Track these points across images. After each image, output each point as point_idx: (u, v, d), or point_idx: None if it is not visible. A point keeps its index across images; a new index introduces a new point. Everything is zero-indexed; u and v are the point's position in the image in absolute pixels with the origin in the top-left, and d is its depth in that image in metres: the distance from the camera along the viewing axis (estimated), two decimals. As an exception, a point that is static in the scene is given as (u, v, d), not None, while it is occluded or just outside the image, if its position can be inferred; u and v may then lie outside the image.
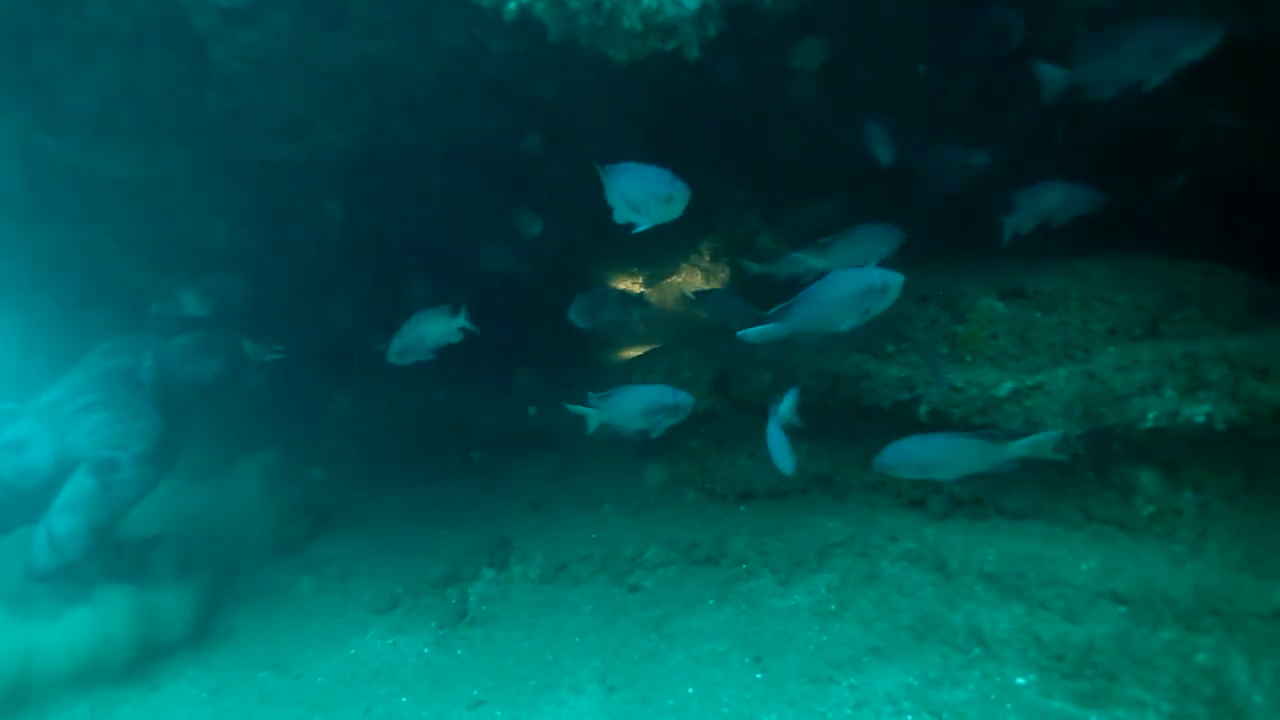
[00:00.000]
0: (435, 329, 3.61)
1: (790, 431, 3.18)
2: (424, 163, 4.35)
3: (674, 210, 2.56)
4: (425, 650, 3.78)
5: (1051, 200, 3.25)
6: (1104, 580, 2.99)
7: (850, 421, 3.81)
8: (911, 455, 2.86)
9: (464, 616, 4.06)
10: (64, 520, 3.81)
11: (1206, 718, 2.47)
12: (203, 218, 4.20)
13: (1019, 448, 2.78)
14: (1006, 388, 3.11)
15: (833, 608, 3.33)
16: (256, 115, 3.60)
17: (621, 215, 2.60)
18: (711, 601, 3.59)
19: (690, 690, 2.99)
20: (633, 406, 3.25)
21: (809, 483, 4.11)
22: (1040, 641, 2.90)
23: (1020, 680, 2.83)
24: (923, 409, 3.31)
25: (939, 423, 3.30)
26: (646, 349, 5.00)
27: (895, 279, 2.88)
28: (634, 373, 4.34)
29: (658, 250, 6.57)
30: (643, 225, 2.58)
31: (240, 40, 2.78)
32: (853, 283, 2.91)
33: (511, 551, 4.43)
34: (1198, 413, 2.93)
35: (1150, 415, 2.98)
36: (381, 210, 4.71)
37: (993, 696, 2.77)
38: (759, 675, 3.02)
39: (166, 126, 3.53)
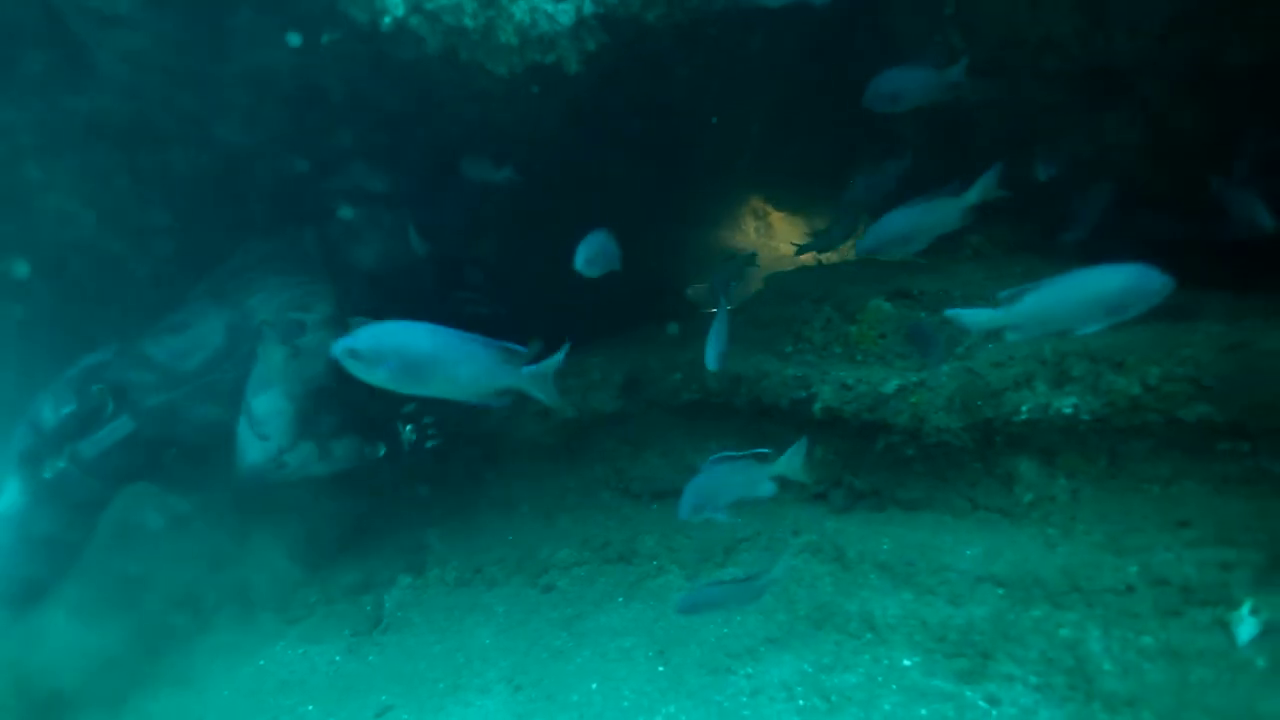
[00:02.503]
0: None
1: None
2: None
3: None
4: (337, 658, 3.77)
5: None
6: (985, 565, 3.16)
7: (753, 420, 3.94)
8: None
9: (379, 623, 4.06)
10: (261, 400, 3.46)
11: (1065, 686, 2.64)
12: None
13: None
14: (893, 385, 3.27)
15: (735, 600, 3.43)
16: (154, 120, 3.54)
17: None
18: (621, 599, 3.67)
19: (594, 685, 3.06)
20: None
21: (719, 480, 4.23)
22: (926, 625, 3.05)
23: (906, 662, 2.97)
24: (817, 406, 3.44)
25: (832, 419, 3.44)
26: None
27: (1163, 281, 2.33)
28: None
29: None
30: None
31: (122, 46, 2.74)
32: (1109, 279, 2.32)
33: (429, 556, 4.44)
34: (1065, 404, 3.13)
35: (1024, 408, 3.16)
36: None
37: (880, 678, 2.91)
38: (661, 668, 3.10)
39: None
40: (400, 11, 2.17)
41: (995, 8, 3.41)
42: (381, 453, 4.00)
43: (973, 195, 2.60)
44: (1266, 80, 3.26)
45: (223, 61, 3.08)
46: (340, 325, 3.70)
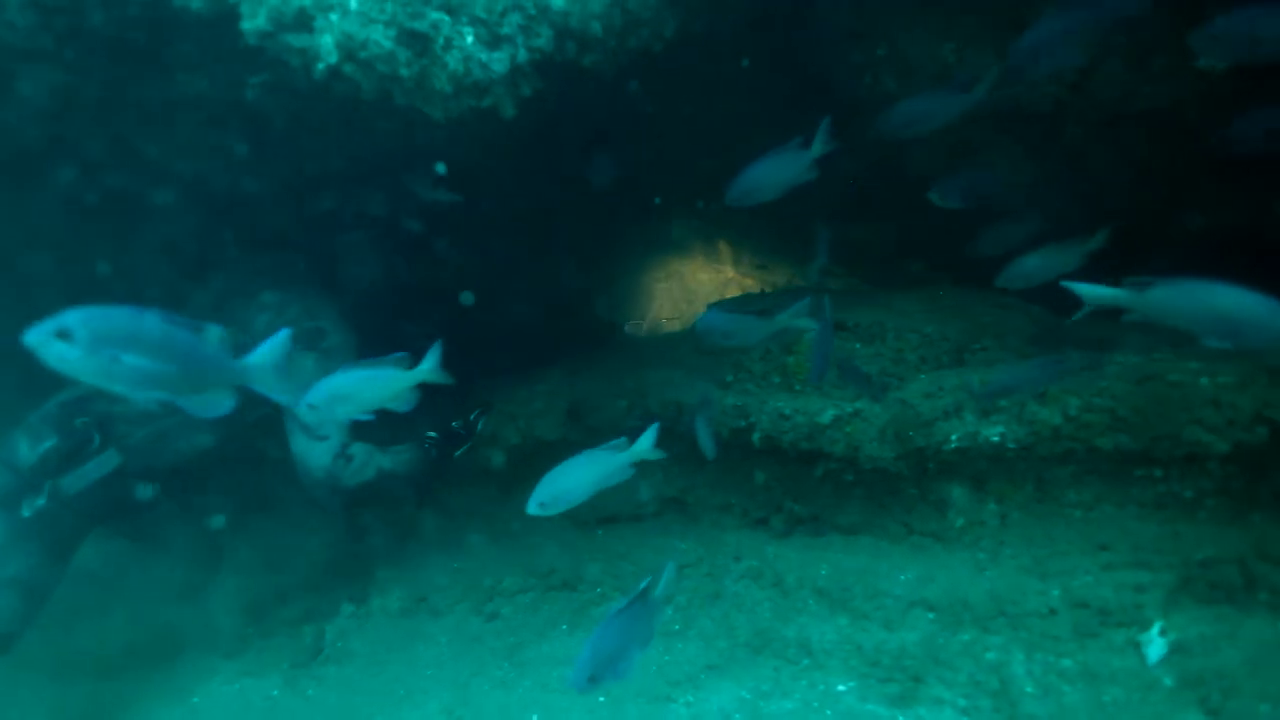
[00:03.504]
0: None
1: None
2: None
3: None
4: (274, 693, 3.71)
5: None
6: (918, 590, 3.26)
7: (695, 446, 3.99)
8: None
9: (319, 654, 4.00)
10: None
11: (991, 708, 2.74)
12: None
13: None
14: (829, 415, 3.36)
15: (677, 627, 3.47)
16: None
17: None
18: (565, 627, 3.68)
19: (534, 717, 3.07)
20: None
21: (663, 505, 4.28)
22: (861, 650, 3.13)
23: (841, 687, 3.04)
24: (756, 435, 3.52)
25: (771, 447, 3.52)
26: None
27: None
28: (492, 405, 4.39)
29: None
30: None
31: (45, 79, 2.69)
32: (1239, 301, 2.16)
33: (372, 585, 4.39)
34: (993, 433, 3.25)
35: (954, 437, 3.28)
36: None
37: (815, 704, 2.98)
38: (602, 699, 3.12)
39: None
40: (334, 59, 2.19)
41: (924, 48, 3.55)
42: (434, 455, 4.00)
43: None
44: (1170, 125, 3.47)
45: (158, 90, 3.05)
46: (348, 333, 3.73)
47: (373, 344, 3.99)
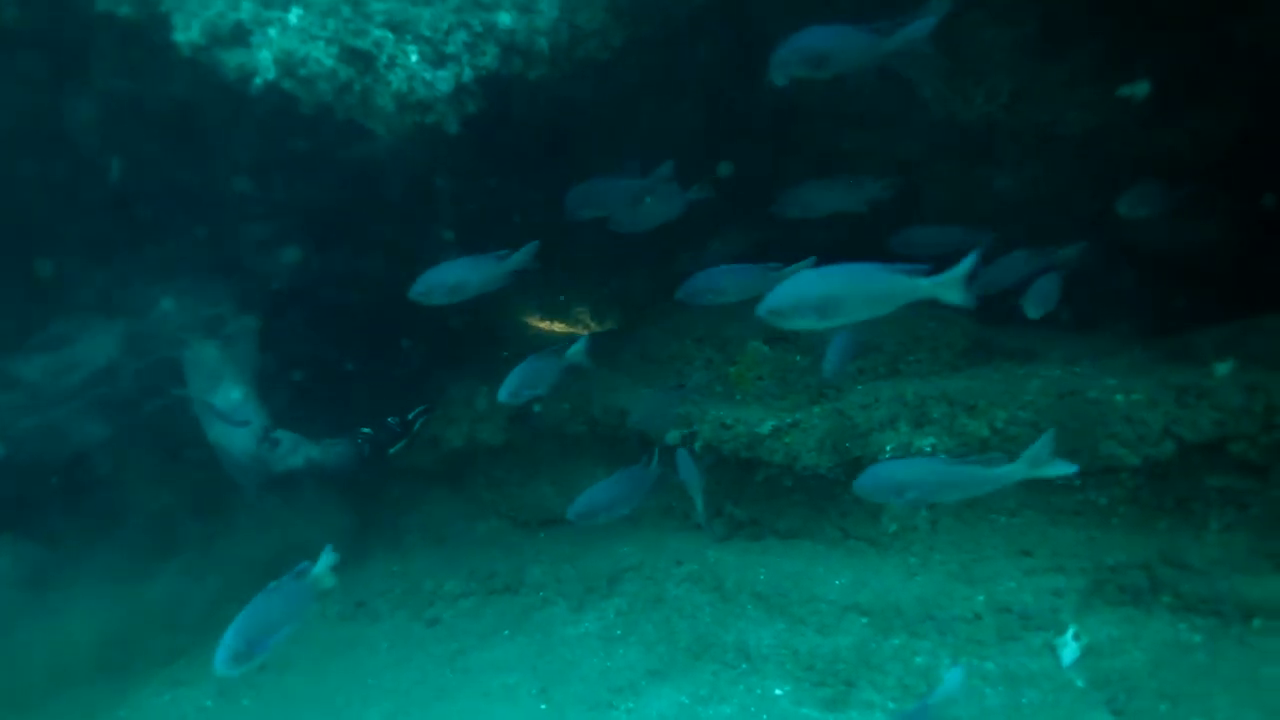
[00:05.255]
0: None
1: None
2: None
3: None
4: (208, 703, 3.64)
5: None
6: (852, 594, 3.36)
7: (640, 450, 4.03)
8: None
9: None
10: (220, 394, 3.32)
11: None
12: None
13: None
14: (769, 425, 3.43)
15: (619, 632, 3.52)
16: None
17: None
18: (507, 632, 3.69)
19: (477, 727, 3.09)
20: None
21: (605, 507, 4.31)
22: (796, 654, 3.22)
23: (778, 691, 3.14)
24: (698, 444, 3.57)
25: (713, 455, 3.58)
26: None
27: None
28: (435, 406, 4.35)
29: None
30: None
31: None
32: None
33: (309, 589, 4.32)
34: (925, 444, 3.37)
35: (888, 447, 3.39)
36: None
37: (753, 708, 3.06)
38: (543, 706, 3.16)
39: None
40: (271, 75, 2.13)
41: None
42: (367, 451, 3.93)
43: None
44: (1096, 145, 3.63)
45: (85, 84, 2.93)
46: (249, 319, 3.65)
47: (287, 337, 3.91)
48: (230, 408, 3.51)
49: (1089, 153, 3.76)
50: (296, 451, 3.60)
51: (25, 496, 3.65)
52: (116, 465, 3.92)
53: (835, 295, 2.24)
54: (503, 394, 3.18)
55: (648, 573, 3.82)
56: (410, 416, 4.24)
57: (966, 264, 2.19)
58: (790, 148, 4.38)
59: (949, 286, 2.19)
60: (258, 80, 2.15)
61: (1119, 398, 3.09)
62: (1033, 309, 3.21)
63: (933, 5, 2.90)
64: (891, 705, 2.94)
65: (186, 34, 2.16)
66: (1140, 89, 3.40)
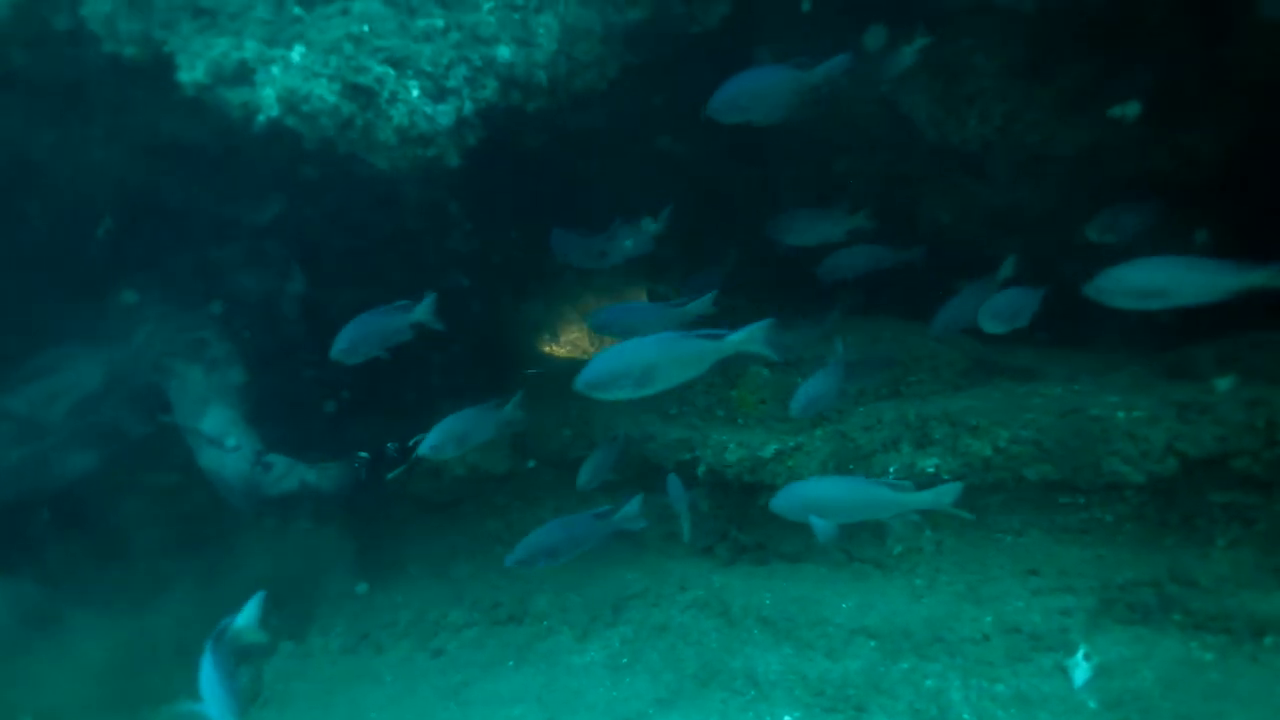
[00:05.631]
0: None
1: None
2: None
3: None
4: (210, 741, 3.58)
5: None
6: (859, 617, 3.34)
7: (642, 476, 4.03)
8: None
9: (256, 698, 3.89)
10: (207, 419, 3.26)
11: (930, 737, 2.83)
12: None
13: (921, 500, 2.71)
14: (771, 449, 3.44)
15: (625, 661, 3.49)
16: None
17: None
18: (511, 663, 3.66)
19: (483, 761, 3.05)
20: None
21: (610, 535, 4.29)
22: (805, 680, 3.19)
23: (787, 717, 3.10)
24: (701, 469, 3.57)
25: (716, 480, 3.58)
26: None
27: None
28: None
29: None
30: None
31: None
32: None
33: (313, 622, 4.29)
34: (929, 464, 3.38)
35: (891, 469, 3.39)
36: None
37: (762, 736, 3.03)
38: (551, 738, 3.12)
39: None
40: (275, 112, 2.16)
41: (859, 89, 3.68)
42: (364, 475, 3.89)
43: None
44: (1089, 165, 3.67)
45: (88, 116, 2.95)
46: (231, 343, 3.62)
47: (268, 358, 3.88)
48: (219, 432, 3.48)
49: (1082, 172, 3.80)
50: (290, 474, 3.57)
51: (16, 532, 3.62)
52: (108, 496, 3.91)
53: (650, 364, 2.46)
54: (424, 448, 3.11)
55: (652, 599, 3.80)
56: (410, 443, 4.23)
57: (765, 323, 2.46)
58: (786, 170, 4.44)
59: (752, 341, 2.43)
60: (261, 118, 2.18)
61: (1120, 415, 3.09)
62: (990, 323, 3.20)
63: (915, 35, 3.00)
64: (903, 730, 2.91)
65: (191, 74, 2.19)
66: (1131, 109, 3.44)
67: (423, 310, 2.97)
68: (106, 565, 4.25)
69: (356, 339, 2.97)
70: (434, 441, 3.09)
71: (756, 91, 2.90)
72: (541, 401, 4.39)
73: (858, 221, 3.60)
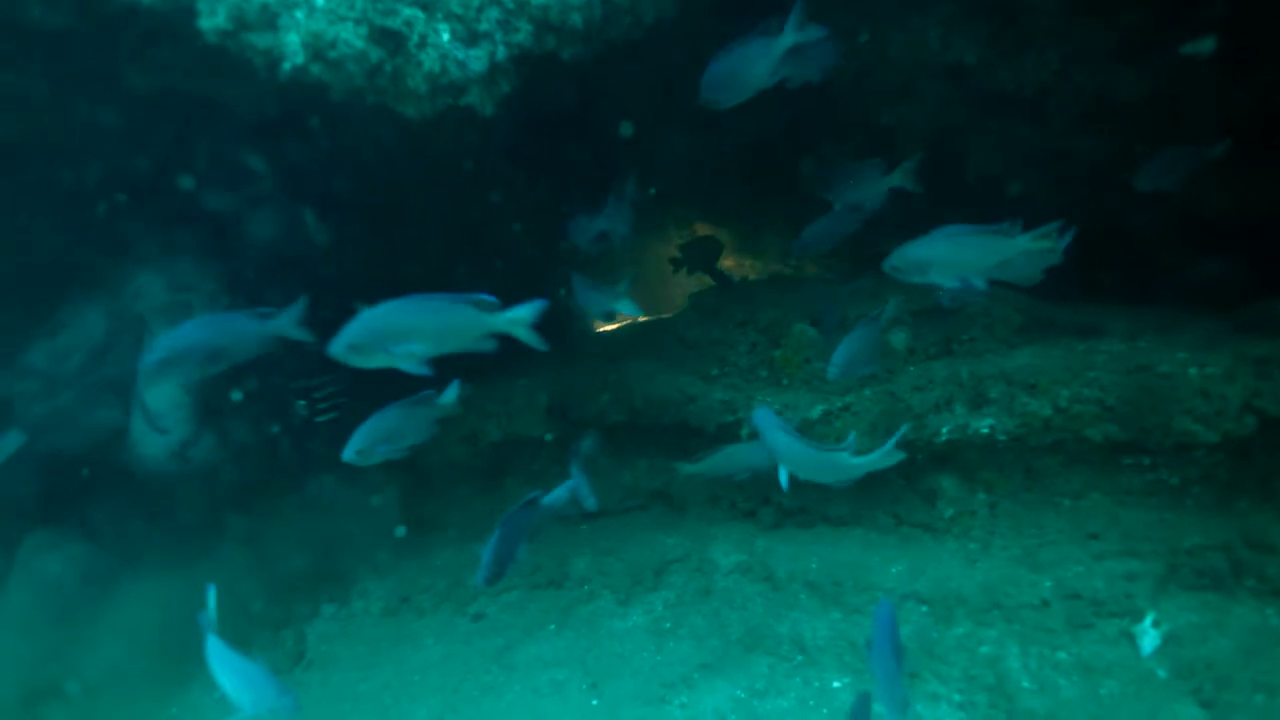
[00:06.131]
0: None
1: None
2: None
3: None
4: (257, 702, 3.61)
5: None
6: (910, 582, 3.24)
7: (682, 438, 3.94)
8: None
9: (301, 659, 3.91)
10: (155, 392, 3.15)
11: (987, 704, 2.74)
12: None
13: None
14: (818, 410, 3.31)
15: (668, 625, 3.44)
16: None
17: None
18: (553, 626, 3.63)
19: (527, 724, 3.02)
20: None
21: (649, 498, 4.23)
22: (854, 646, 3.11)
23: (836, 684, 3.03)
24: (745, 430, 3.46)
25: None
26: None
27: None
28: (469, 404, 4.28)
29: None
30: None
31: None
32: None
33: (353, 584, 4.30)
34: (983, 425, 3.23)
35: (944, 430, 3.25)
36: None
37: (811, 702, 2.96)
38: (595, 702, 3.08)
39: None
40: (300, 59, 2.05)
41: (906, 36, 3.47)
42: (276, 429, 3.80)
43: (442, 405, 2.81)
44: (1157, 111, 3.43)
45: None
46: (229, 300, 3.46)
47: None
48: (160, 409, 3.35)
49: (1147, 117, 3.56)
50: (206, 460, 3.44)
51: (57, 489, 3.61)
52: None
53: (410, 328, 2.22)
54: (348, 453, 2.64)
55: (695, 564, 3.73)
56: (319, 395, 4.08)
57: (536, 305, 2.25)
58: (828, 123, 4.24)
59: (517, 324, 2.25)
60: (286, 65, 2.08)
61: (1193, 371, 2.92)
62: (834, 369, 3.00)
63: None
64: (958, 697, 2.82)
65: (212, 20, 2.09)
66: (1205, 45, 3.20)
67: (286, 320, 2.47)
68: (151, 523, 4.27)
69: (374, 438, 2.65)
70: (359, 446, 2.62)
71: (732, 72, 2.66)
72: (577, 365, 4.33)
73: (897, 179, 3.38)
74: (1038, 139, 3.85)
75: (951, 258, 2.54)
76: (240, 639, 4.06)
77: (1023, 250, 2.50)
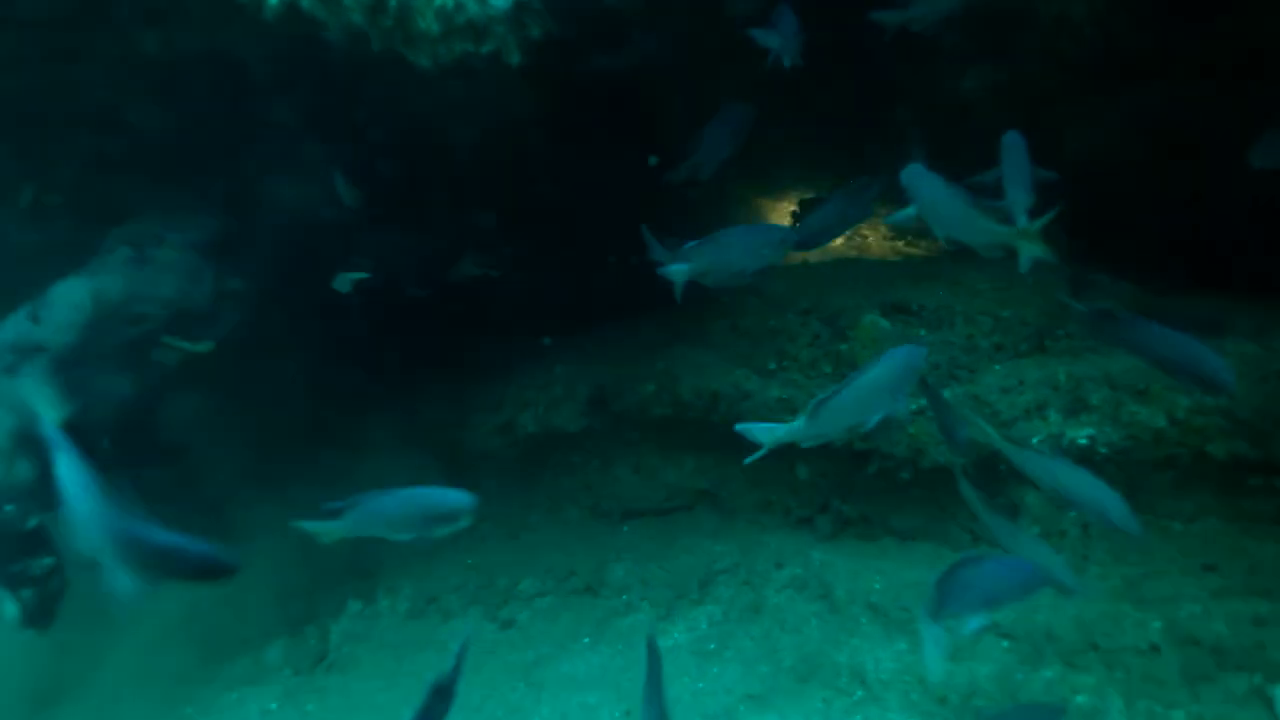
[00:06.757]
0: None
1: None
2: None
3: None
4: (272, 705, 3.41)
5: None
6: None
7: (733, 436, 3.58)
8: None
9: (323, 659, 3.71)
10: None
11: (1086, 770, 2.35)
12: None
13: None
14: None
15: (712, 646, 3.12)
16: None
17: None
18: (587, 640, 3.33)
19: (554, 757, 2.74)
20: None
21: (695, 498, 3.90)
22: (923, 683, 2.74)
23: (901, 726, 2.67)
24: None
25: (820, 445, 3.10)
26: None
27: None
28: (508, 388, 4.00)
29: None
30: None
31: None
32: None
33: (379, 581, 4.08)
34: (1081, 435, 2.82)
35: (1035, 440, 2.84)
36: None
37: (873, 747, 2.61)
38: (630, 733, 2.78)
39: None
40: (286, -7, 1.74)
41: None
42: None
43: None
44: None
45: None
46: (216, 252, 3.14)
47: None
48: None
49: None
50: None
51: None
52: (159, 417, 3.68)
53: None
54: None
55: (744, 576, 3.39)
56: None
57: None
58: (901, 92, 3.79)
59: None
60: (272, 2, 1.76)
61: (1348, 380, 2.45)
62: None
63: None
64: (1049, 756, 2.43)
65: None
66: None
67: None
68: (181, 502, 4.10)
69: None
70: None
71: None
72: (621, 352, 3.99)
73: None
74: (1154, 107, 3.34)
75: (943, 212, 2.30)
76: (261, 634, 3.92)
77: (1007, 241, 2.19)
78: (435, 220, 4.12)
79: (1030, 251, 2.20)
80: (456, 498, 2.23)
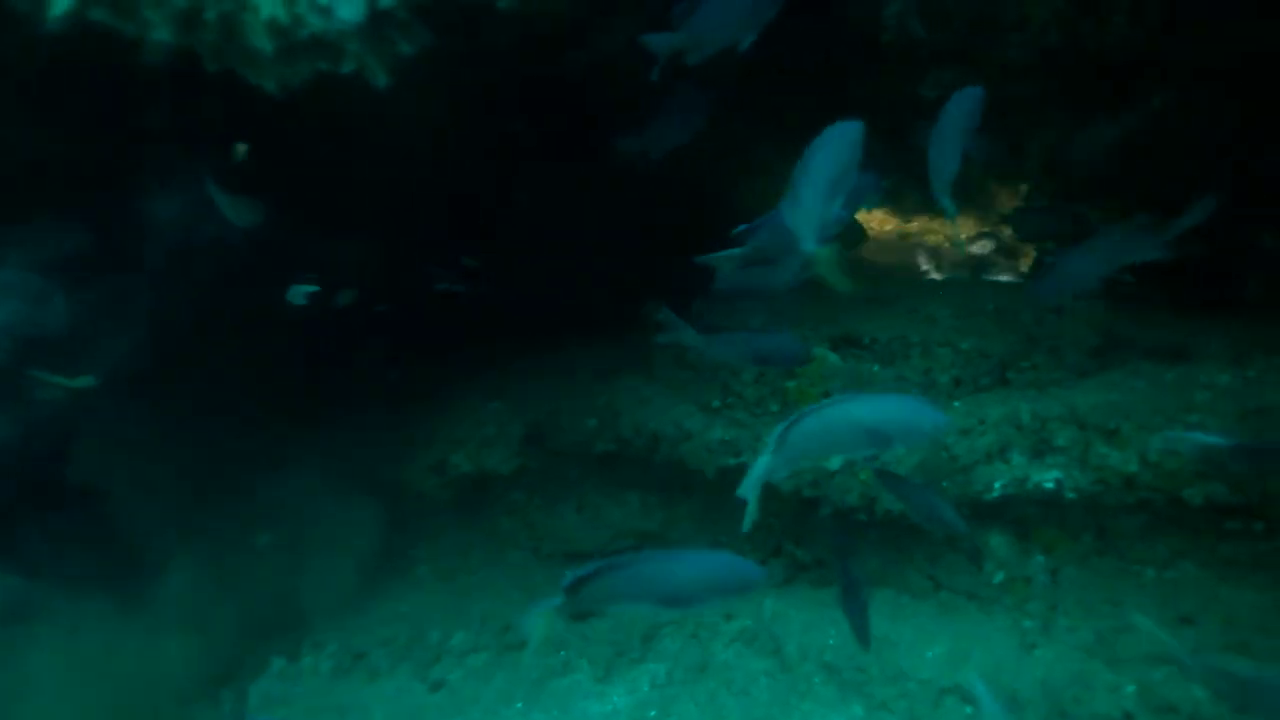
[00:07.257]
0: None
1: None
2: None
3: None
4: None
5: None
6: (950, 671, 2.63)
7: (679, 476, 3.34)
8: None
9: (237, 727, 3.40)
10: None
11: None
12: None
13: None
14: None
15: (653, 714, 2.85)
16: None
17: None
18: (520, 704, 3.06)
19: None
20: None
21: (641, 539, 3.65)
22: (879, 755, 2.50)
23: (857, 806, 2.42)
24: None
25: (766, 491, 2.85)
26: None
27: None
28: (439, 429, 3.71)
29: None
30: None
31: None
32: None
33: (306, 634, 3.77)
34: (1046, 479, 2.59)
35: (997, 485, 2.62)
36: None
37: (825, 833, 2.36)
38: (555, 823, 2.51)
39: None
40: (69, 3, 1.44)
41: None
42: None
43: None
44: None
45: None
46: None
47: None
48: None
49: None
50: None
51: None
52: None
53: None
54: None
55: (690, 629, 3.14)
56: None
57: None
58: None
59: None
60: (56, 10, 1.45)
61: (1334, 421, 2.25)
62: None
63: None
64: (1015, 844, 2.20)
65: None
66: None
67: None
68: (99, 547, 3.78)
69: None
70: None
71: None
72: (559, 387, 3.72)
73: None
74: (1129, 120, 3.14)
75: None
76: (179, 697, 3.59)
77: None
78: (369, 234, 3.85)
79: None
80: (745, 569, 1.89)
